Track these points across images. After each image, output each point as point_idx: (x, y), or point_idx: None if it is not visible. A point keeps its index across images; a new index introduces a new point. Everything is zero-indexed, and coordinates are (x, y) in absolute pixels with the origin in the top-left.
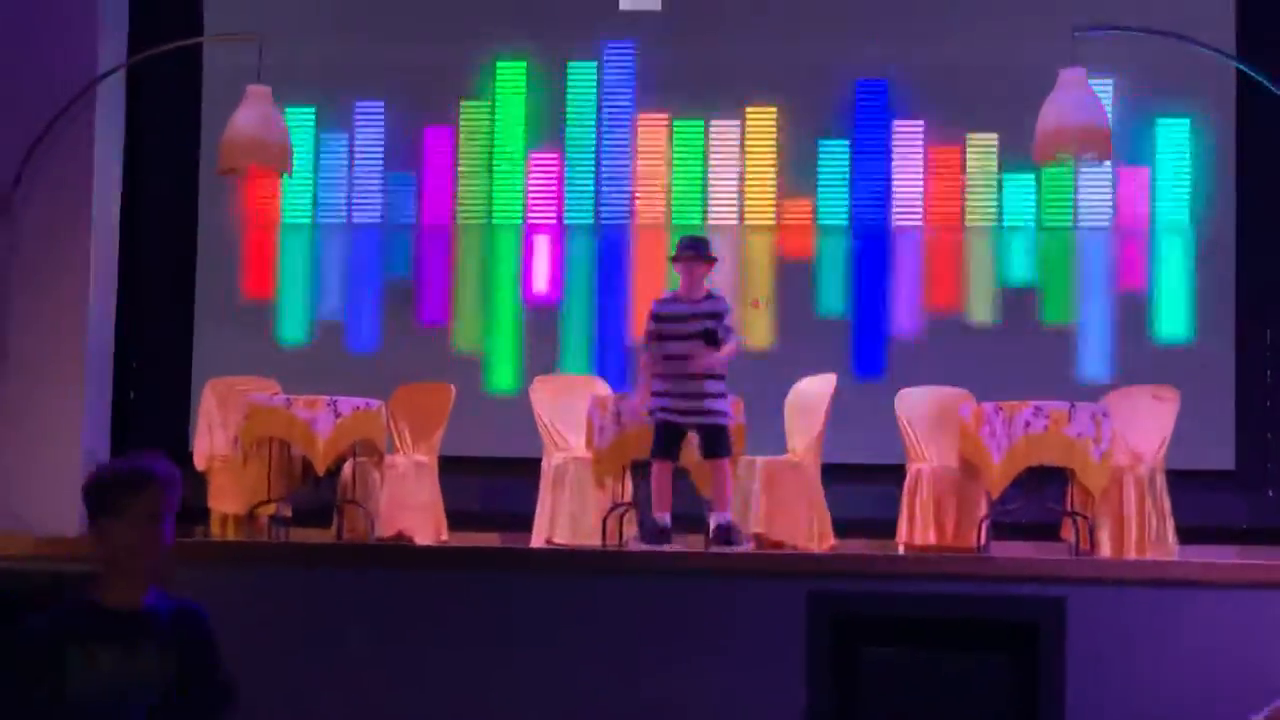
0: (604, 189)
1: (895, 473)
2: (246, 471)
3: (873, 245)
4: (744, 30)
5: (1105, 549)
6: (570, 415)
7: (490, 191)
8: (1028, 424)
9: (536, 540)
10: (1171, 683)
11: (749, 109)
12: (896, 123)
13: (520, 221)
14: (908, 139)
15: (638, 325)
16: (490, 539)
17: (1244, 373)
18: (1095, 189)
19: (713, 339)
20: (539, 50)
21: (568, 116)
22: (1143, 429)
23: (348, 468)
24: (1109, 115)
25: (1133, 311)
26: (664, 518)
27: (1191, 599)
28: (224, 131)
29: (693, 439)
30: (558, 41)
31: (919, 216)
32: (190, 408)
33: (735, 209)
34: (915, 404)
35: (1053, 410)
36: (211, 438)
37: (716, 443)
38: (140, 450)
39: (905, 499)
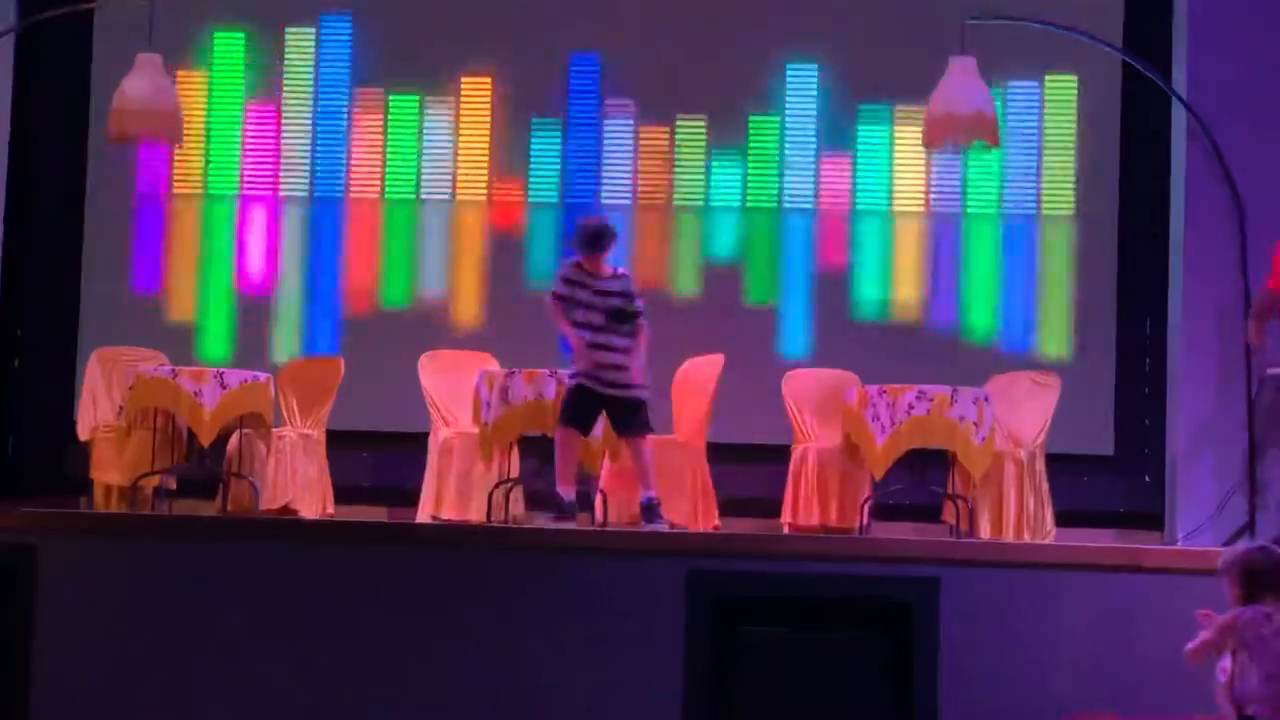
0: (319, 161)
1: (784, 453)
2: (130, 443)
3: None
4: (461, 5)
5: (984, 531)
6: (458, 391)
7: (206, 162)
8: (911, 407)
9: (422, 515)
10: (1044, 663)
11: (464, 83)
12: (608, 102)
13: (235, 192)
14: (618, 119)
15: (353, 299)
16: (377, 514)
17: (1124, 359)
18: (800, 172)
19: (621, 317)
20: (256, 21)
21: (285, 88)
22: (1024, 414)
23: (234, 440)
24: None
25: (833, 290)
26: (571, 491)
27: (1065, 581)
28: (113, 99)
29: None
30: (275, 13)
31: (629, 195)
32: (76, 377)
33: (449, 184)
34: (802, 386)
35: (936, 394)
36: (96, 408)
37: (635, 418)
38: None
39: (790, 480)
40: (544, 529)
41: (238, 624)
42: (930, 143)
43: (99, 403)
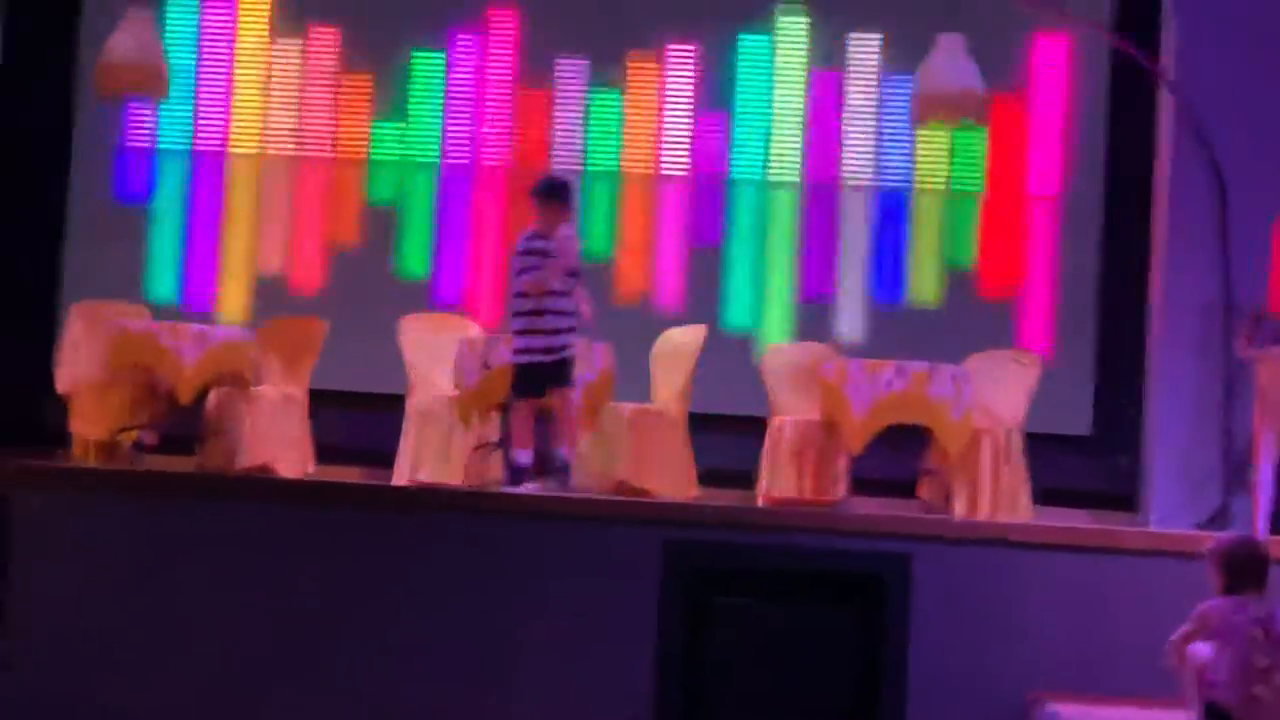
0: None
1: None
2: (110, 396)
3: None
4: None
5: (960, 508)
6: (438, 354)
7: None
8: (889, 383)
9: (399, 479)
10: (1015, 641)
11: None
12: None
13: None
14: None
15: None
16: (356, 475)
17: (1104, 341)
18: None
19: (573, 276)
20: None
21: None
22: (1003, 393)
23: (213, 397)
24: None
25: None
26: (524, 455)
27: (1038, 560)
28: (101, 54)
29: None
30: None
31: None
32: (55, 330)
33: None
34: (781, 359)
35: (914, 370)
36: (76, 361)
37: (563, 375)
38: None
39: (767, 452)
40: (520, 494)
41: (212, 581)
42: (918, 120)
43: (80, 357)
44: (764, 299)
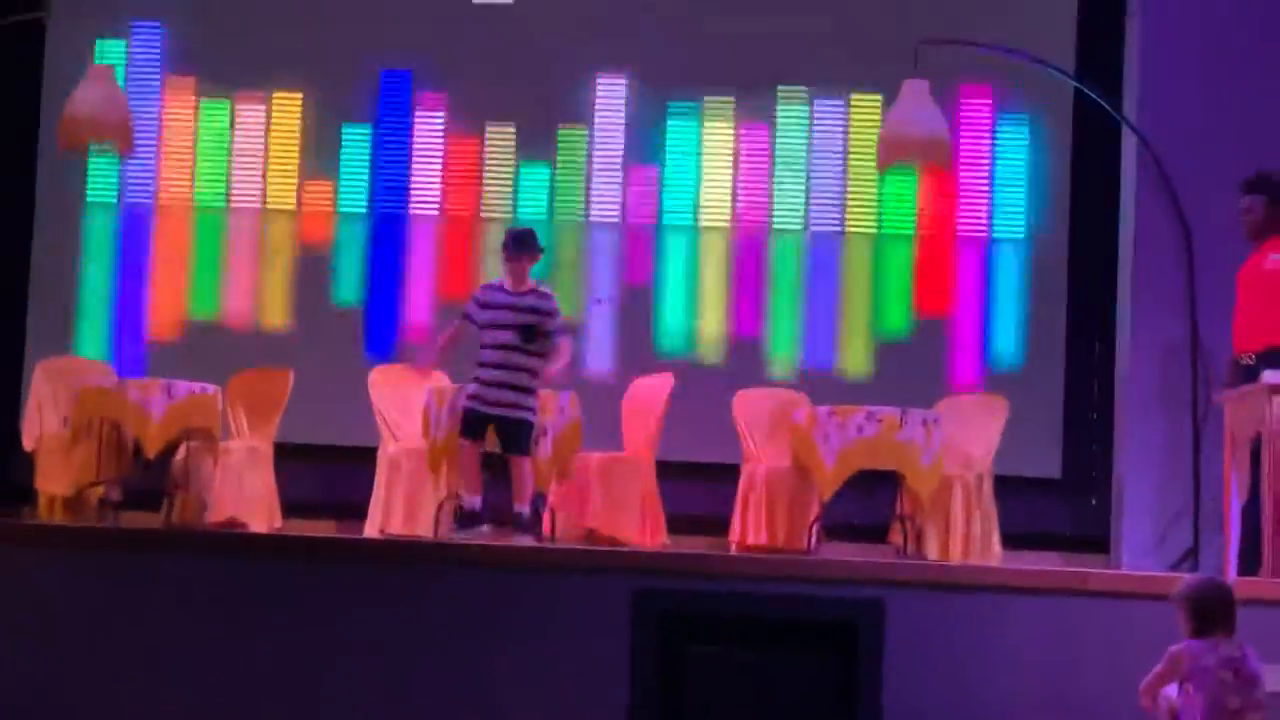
0: (128, 167)
1: (734, 472)
2: (75, 452)
3: (390, 233)
4: (274, 12)
5: (932, 553)
6: (407, 406)
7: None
8: (860, 428)
9: (370, 530)
10: (988, 686)
11: (276, 94)
12: (418, 112)
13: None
14: (428, 127)
15: (155, 314)
16: (325, 528)
17: (1072, 383)
18: (606, 185)
19: (530, 335)
20: (64, 28)
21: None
22: (972, 436)
23: (180, 452)
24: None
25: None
26: (473, 501)
27: (1010, 604)
28: (64, 107)
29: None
30: (82, 20)
31: (437, 205)
32: (22, 386)
33: (258, 193)
34: (753, 405)
35: (884, 415)
36: (42, 417)
37: (514, 439)
38: None
39: (739, 499)
40: (489, 545)
41: (181, 638)
42: (884, 164)
43: (45, 412)
44: (695, 339)
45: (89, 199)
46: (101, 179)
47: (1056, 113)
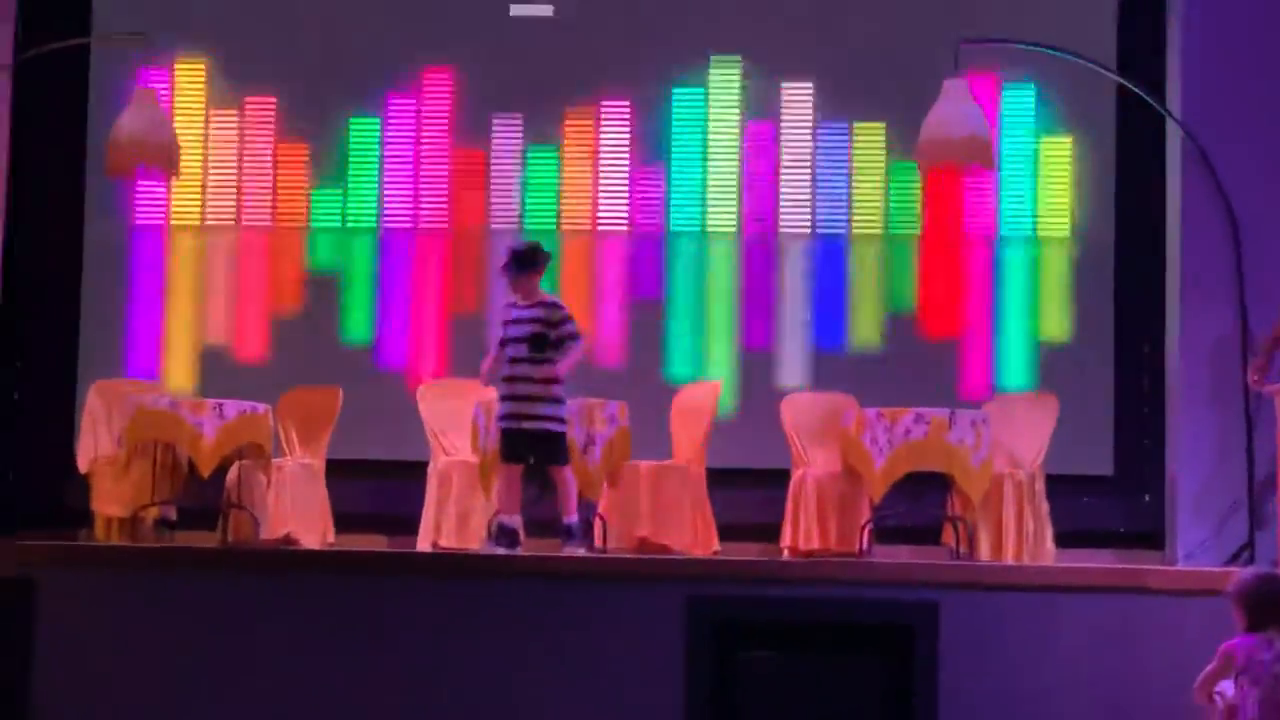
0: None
1: (783, 477)
2: (130, 474)
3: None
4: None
5: (984, 553)
6: (456, 419)
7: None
8: (909, 431)
9: (422, 544)
10: (1044, 687)
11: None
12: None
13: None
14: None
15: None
16: (377, 542)
17: (1123, 380)
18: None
19: (540, 345)
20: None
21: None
22: (1022, 435)
23: (233, 471)
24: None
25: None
26: (512, 519)
27: (1065, 603)
28: (110, 133)
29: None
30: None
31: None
32: (75, 409)
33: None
34: (801, 410)
35: (934, 417)
36: (96, 439)
37: (548, 452)
38: None
39: (790, 504)
40: (543, 556)
41: (240, 655)
42: (926, 165)
43: (99, 435)
44: (706, 350)
45: (137, 222)
46: (148, 202)
47: (1099, 110)
